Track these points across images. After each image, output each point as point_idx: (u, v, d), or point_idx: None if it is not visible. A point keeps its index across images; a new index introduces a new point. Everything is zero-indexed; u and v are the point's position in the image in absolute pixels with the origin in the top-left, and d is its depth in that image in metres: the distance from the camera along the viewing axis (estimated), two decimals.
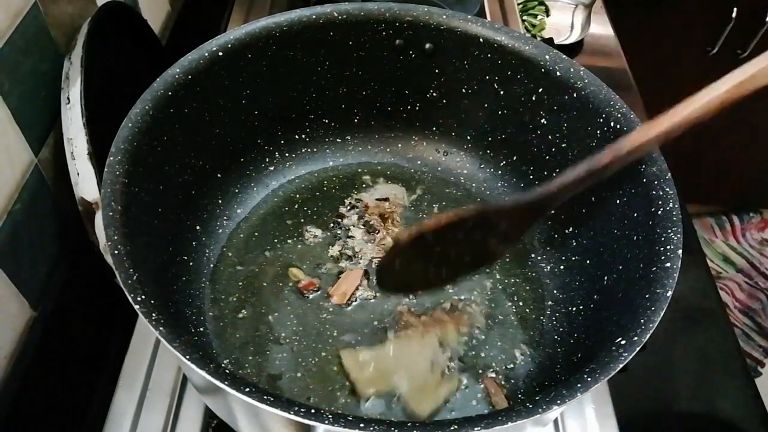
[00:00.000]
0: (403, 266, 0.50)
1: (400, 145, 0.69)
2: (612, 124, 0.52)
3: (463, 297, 0.59)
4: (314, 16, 0.58)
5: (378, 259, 0.60)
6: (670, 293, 0.41)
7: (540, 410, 0.35)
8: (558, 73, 0.56)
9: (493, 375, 0.54)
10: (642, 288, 0.43)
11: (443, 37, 0.60)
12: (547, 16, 0.99)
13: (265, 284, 0.59)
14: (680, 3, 1.36)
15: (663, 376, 0.61)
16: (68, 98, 0.54)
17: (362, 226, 0.63)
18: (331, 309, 0.57)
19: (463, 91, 0.63)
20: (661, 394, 0.60)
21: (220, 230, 0.61)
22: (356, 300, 0.58)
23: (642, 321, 0.40)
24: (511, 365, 0.55)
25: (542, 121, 0.59)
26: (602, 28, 0.99)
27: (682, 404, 0.59)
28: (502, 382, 0.53)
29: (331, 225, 0.63)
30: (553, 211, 0.60)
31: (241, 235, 0.62)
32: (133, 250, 0.42)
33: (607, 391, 0.57)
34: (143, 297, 0.39)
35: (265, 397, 0.34)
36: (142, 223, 0.47)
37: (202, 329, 0.54)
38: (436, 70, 0.63)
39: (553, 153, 0.59)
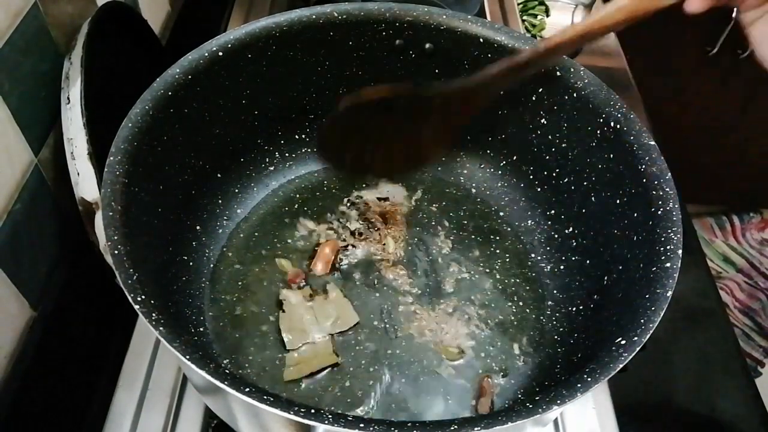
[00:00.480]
0: (343, 137, 0.52)
1: None
2: (612, 124, 0.52)
3: (462, 296, 0.59)
4: (314, 16, 0.58)
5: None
6: (670, 293, 0.41)
7: (540, 410, 0.35)
8: (558, 73, 0.56)
9: (493, 376, 0.54)
10: (642, 288, 0.43)
11: (443, 37, 0.60)
12: (547, 16, 0.99)
13: (265, 284, 0.59)
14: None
15: (663, 376, 0.61)
16: (68, 98, 0.54)
17: (362, 223, 0.63)
18: None
19: None
20: (661, 394, 0.60)
21: (220, 230, 0.61)
22: (339, 267, 0.60)
23: (642, 321, 0.40)
24: (511, 365, 0.55)
25: (542, 121, 0.59)
26: None
27: (682, 404, 0.59)
28: (502, 382, 0.53)
29: (333, 224, 0.63)
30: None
31: (241, 235, 0.62)
32: (133, 250, 0.42)
33: (607, 391, 0.57)
34: (143, 297, 0.39)
35: (265, 397, 0.34)
36: (142, 223, 0.47)
37: (202, 329, 0.54)
38: (436, 70, 0.63)
39: (553, 153, 0.59)
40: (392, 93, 0.50)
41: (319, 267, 0.60)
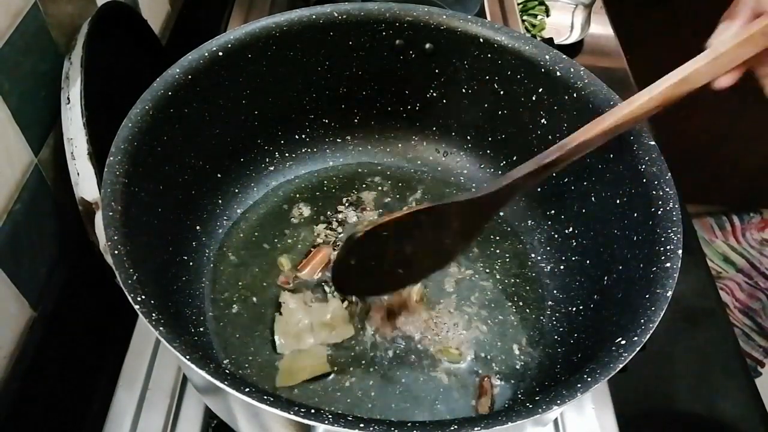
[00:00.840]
0: (359, 266, 0.49)
1: (400, 145, 0.69)
2: None
3: (462, 296, 0.59)
4: (314, 16, 0.58)
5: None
6: (670, 293, 0.41)
7: (540, 410, 0.35)
8: (558, 73, 0.56)
9: (493, 376, 0.54)
10: (642, 288, 0.43)
11: (443, 37, 0.60)
12: (547, 16, 0.99)
13: (265, 284, 0.59)
14: (680, 3, 1.36)
15: (663, 376, 0.61)
16: (68, 98, 0.54)
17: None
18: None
19: (463, 91, 0.63)
20: (661, 394, 0.60)
21: (220, 230, 0.61)
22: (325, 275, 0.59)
23: (642, 321, 0.40)
24: (511, 365, 0.55)
25: (542, 121, 0.59)
26: (602, 28, 0.99)
27: (682, 404, 0.59)
28: (502, 382, 0.53)
29: (333, 223, 0.63)
30: (547, 210, 0.60)
31: (241, 235, 0.62)
32: (133, 250, 0.42)
33: (607, 391, 0.57)
34: (143, 297, 0.39)
35: (265, 397, 0.34)
36: (142, 223, 0.47)
37: (202, 329, 0.54)
38: (436, 70, 0.63)
39: None
40: (411, 214, 0.48)
41: (306, 271, 0.59)
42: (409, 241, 0.49)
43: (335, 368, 0.53)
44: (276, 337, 0.54)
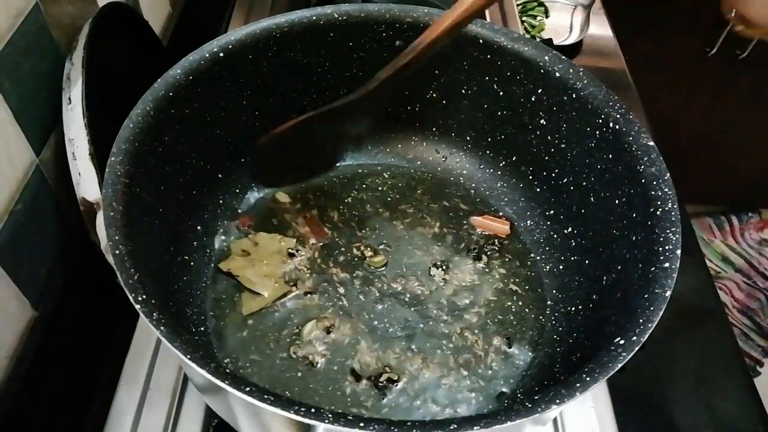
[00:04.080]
0: (273, 161, 0.63)
1: (400, 145, 0.69)
2: (611, 124, 0.52)
3: (462, 297, 0.59)
4: (315, 17, 0.58)
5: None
6: (668, 293, 0.41)
7: (539, 410, 0.35)
8: (557, 74, 0.56)
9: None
10: (641, 288, 0.43)
11: None
12: (546, 17, 0.99)
13: None
14: (680, 3, 1.36)
15: (662, 376, 0.61)
16: (69, 99, 0.55)
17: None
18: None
19: (463, 91, 0.63)
20: (661, 394, 0.60)
21: (221, 230, 0.62)
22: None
23: (641, 321, 0.40)
24: (511, 365, 0.55)
25: (542, 121, 0.59)
26: (601, 28, 0.99)
27: (682, 404, 0.60)
28: (502, 382, 0.53)
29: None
30: (551, 203, 0.61)
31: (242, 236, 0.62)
32: (134, 250, 0.42)
33: (607, 391, 0.57)
34: (144, 297, 0.39)
35: (266, 397, 0.35)
36: (143, 223, 0.48)
37: (202, 329, 0.55)
38: (436, 71, 0.63)
39: (552, 153, 0.60)
40: (299, 122, 0.60)
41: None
42: (312, 137, 0.62)
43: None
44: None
